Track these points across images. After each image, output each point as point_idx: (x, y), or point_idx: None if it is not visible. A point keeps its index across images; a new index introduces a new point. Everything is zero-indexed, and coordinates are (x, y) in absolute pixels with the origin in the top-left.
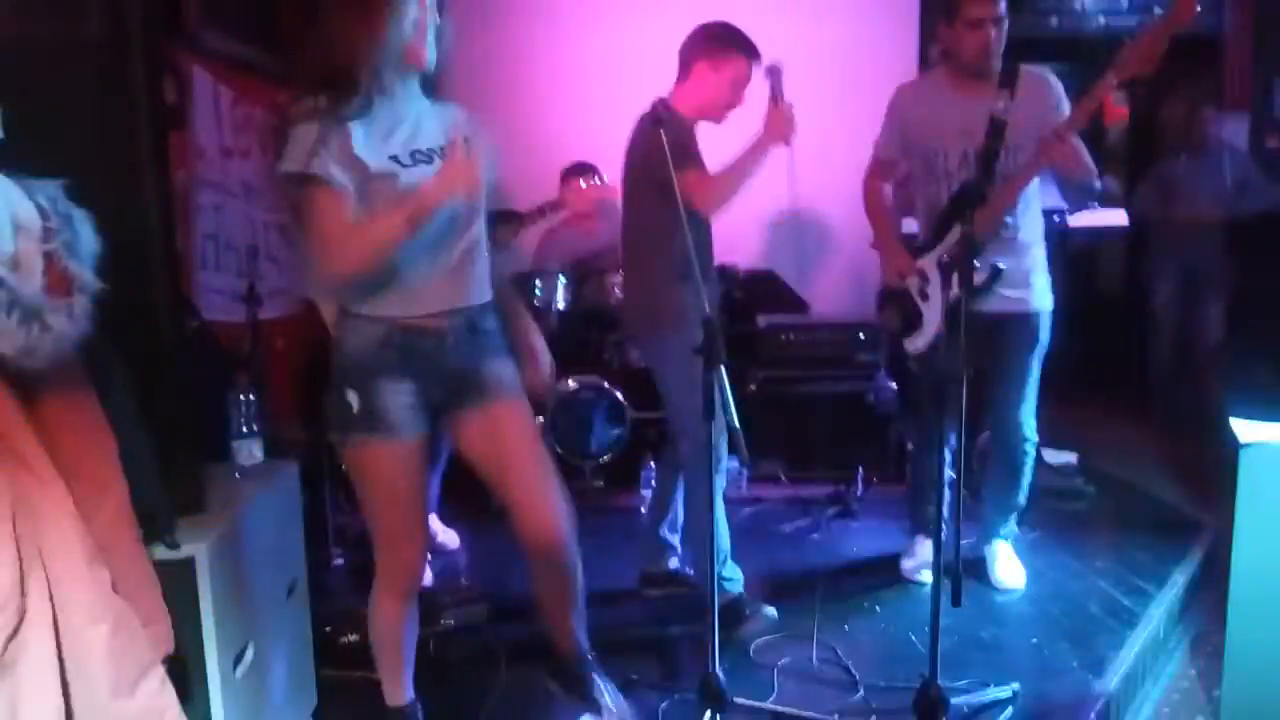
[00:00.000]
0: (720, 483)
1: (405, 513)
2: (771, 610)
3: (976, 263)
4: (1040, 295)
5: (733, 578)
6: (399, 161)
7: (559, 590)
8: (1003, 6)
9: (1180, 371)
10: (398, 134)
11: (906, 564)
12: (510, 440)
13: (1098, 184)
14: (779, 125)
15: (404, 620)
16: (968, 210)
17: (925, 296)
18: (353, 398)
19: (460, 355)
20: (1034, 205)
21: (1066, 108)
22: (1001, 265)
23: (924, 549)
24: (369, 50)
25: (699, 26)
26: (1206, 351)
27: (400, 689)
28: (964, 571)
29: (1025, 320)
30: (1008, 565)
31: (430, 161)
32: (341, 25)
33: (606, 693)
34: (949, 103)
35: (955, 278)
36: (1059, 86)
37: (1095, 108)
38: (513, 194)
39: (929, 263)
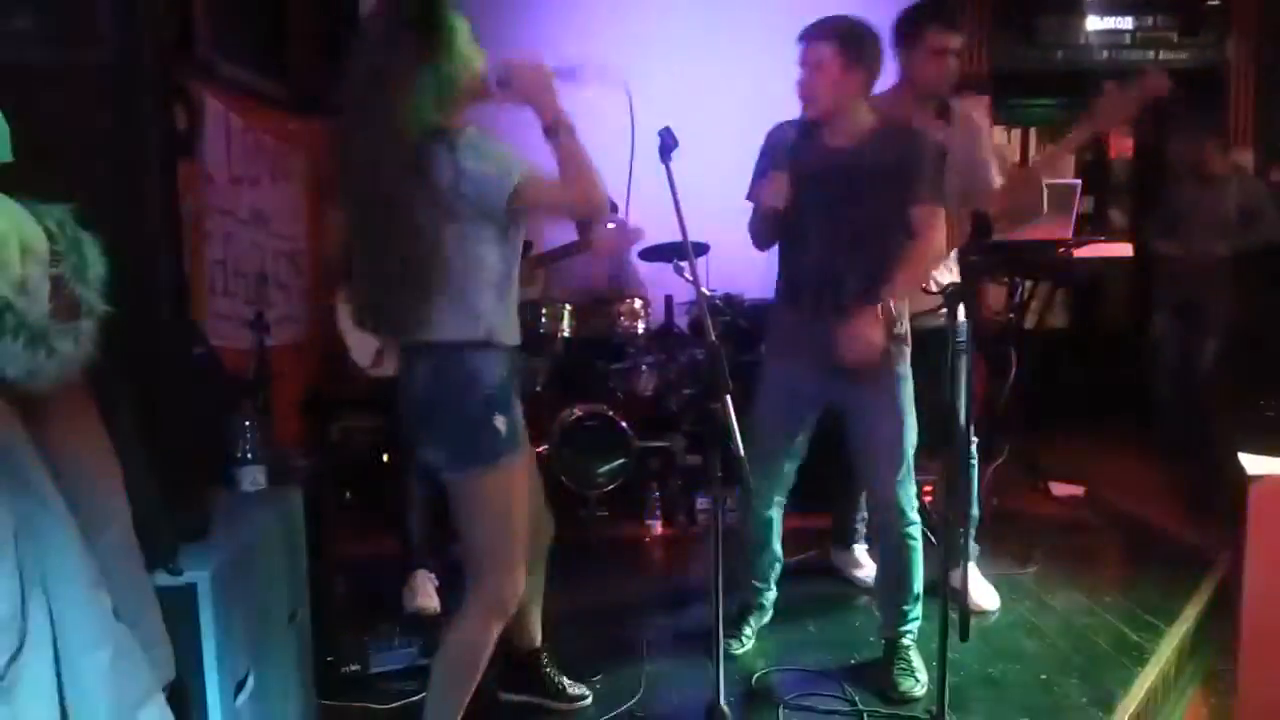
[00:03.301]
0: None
1: (526, 528)
2: None
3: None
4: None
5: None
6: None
7: (539, 583)
8: (959, 40)
9: (1178, 403)
10: None
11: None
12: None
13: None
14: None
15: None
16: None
17: None
18: (501, 423)
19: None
20: None
21: (990, 137)
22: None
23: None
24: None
25: (862, 26)
26: (1201, 383)
27: None
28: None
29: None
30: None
31: None
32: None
33: (566, 684)
34: None
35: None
36: (985, 118)
37: (1069, 153)
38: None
39: None
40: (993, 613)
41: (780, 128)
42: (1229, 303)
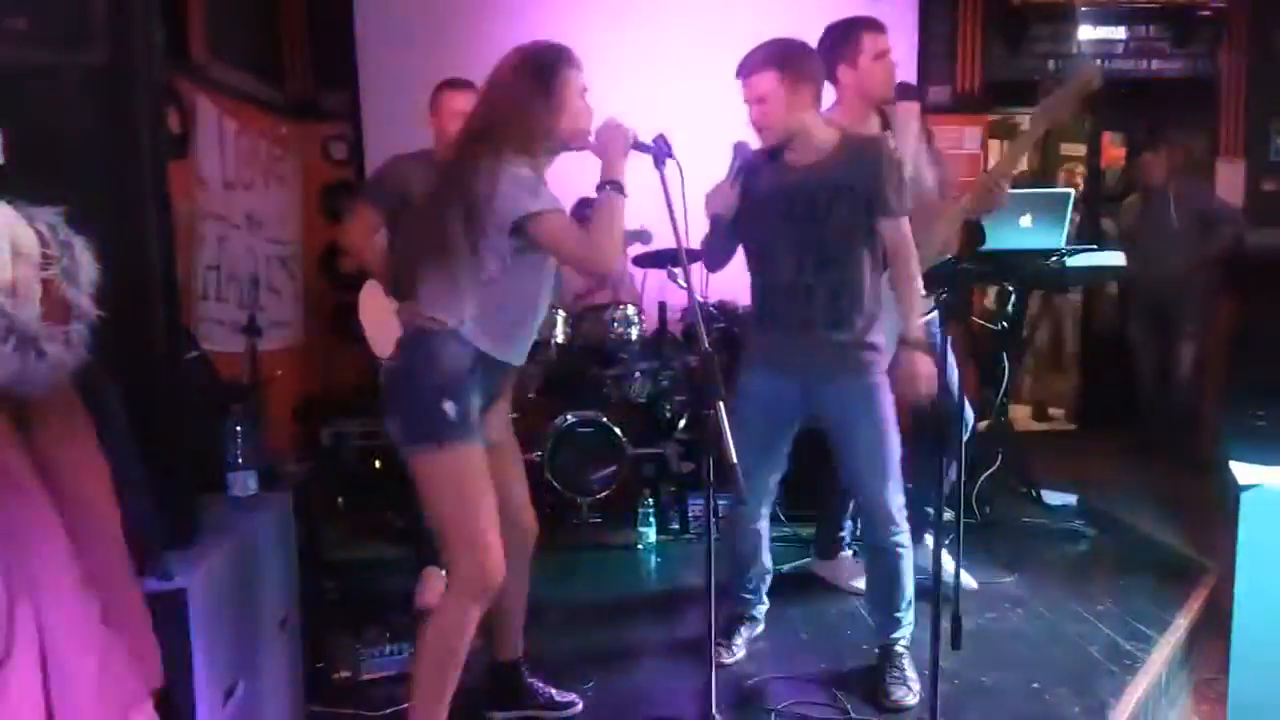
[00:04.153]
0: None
1: (492, 511)
2: None
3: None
4: None
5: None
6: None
7: (521, 590)
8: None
9: (1162, 410)
10: None
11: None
12: (509, 450)
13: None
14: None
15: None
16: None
17: None
18: (449, 407)
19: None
20: None
21: (924, 137)
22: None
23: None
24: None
25: (795, 44)
26: (1181, 390)
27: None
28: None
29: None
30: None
31: None
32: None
33: (554, 692)
34: None
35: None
36: (917, 120)
37: (1023, 152)
38: None
39: None
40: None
41: (744, 145)
42: (1201, 309)
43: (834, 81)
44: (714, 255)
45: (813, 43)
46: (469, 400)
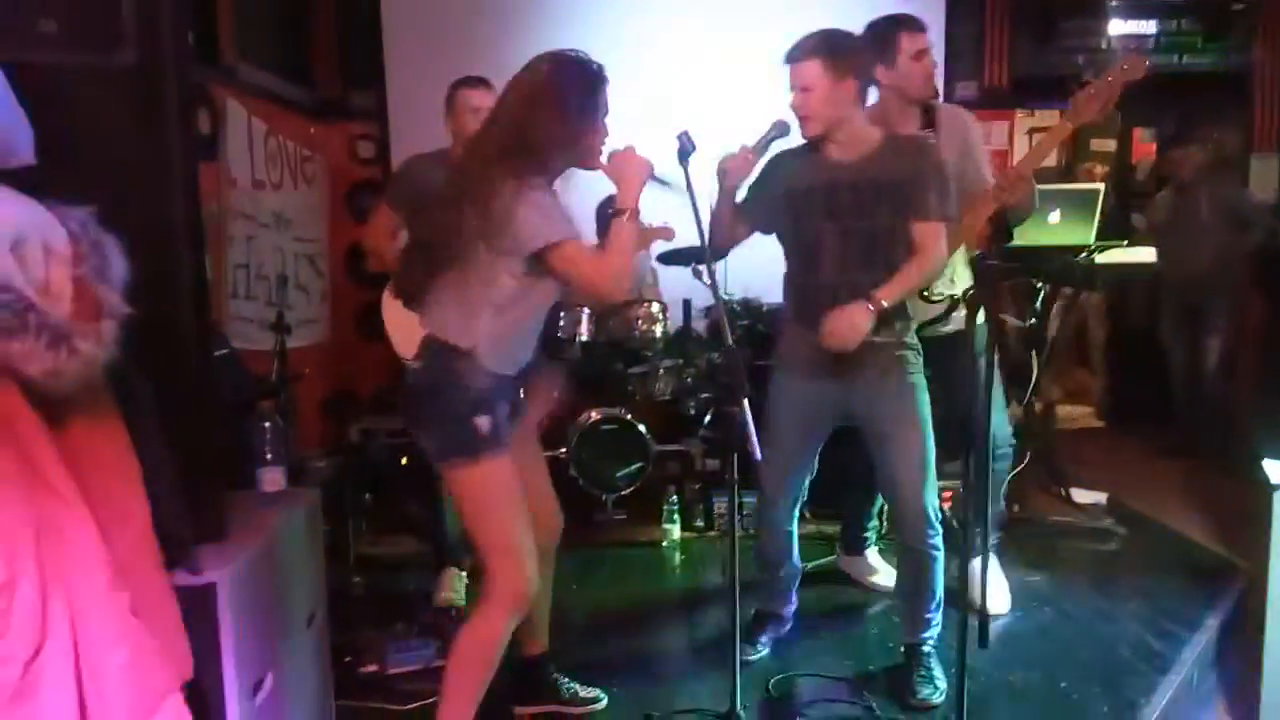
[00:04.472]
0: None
1: (526, 521)
2: None
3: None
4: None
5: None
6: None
7: (545, 586)
8: (929, 40)
9: (1192, 406)
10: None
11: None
12: (531, 448)
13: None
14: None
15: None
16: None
17: None
18: (482, 422)
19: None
20: None
21: (980, 136)
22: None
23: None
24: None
25: (843, 35)
26: (1210, 385)
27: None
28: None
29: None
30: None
31: None
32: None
33: (578, 688)
34: None
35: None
36: (971, 117)
37: (1051, 148)
38: None
39: None
40: (1001, 615)
41: (781, 156)
42: (1232, 306)
43: (873, 81)
44: (719, 229)
45: None
46: (499, 411)
